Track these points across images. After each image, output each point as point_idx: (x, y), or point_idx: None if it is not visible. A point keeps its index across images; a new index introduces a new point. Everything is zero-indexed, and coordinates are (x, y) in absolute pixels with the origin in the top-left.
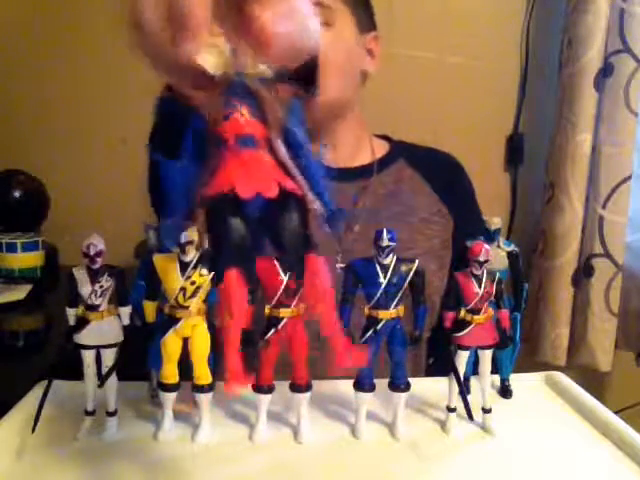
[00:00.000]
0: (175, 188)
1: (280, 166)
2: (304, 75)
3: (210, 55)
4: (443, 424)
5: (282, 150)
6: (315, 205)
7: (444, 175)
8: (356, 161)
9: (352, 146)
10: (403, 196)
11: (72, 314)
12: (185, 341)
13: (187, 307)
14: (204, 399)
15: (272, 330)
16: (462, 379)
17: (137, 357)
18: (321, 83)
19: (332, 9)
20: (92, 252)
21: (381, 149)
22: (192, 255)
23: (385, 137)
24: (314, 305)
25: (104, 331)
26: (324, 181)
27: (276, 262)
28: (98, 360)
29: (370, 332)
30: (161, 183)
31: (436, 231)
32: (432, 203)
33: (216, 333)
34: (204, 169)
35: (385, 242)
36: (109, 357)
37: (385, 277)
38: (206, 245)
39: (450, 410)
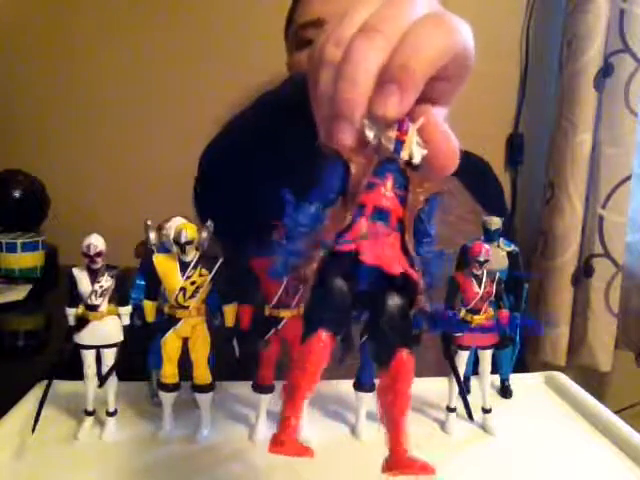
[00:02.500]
0: (297, 228)
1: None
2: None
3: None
4: (443, 424)
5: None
6: (423, 302)
7: (476, 177)
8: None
9: None
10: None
11: (72, 314)
12: (185, 341)
13: (187, 307)
14: (204, 399)
15: (272, 330)
16: (462, 379)
17: (137, 357)
18: None
19: None
20: (92, 252)
21: None
22: (192, 255)
23: None
24: (384, 407)
25: (104, 331)
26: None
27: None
28: (98, 360)
29: None
30: (285, 220)
31: (471, 232)
32: (467, 201)
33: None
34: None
35: None
36: (109, 357)
37: None
38: (206, 245)
39: (450, 410)
